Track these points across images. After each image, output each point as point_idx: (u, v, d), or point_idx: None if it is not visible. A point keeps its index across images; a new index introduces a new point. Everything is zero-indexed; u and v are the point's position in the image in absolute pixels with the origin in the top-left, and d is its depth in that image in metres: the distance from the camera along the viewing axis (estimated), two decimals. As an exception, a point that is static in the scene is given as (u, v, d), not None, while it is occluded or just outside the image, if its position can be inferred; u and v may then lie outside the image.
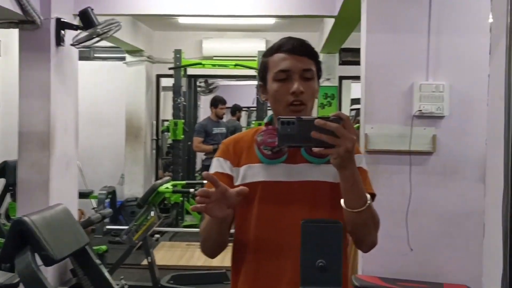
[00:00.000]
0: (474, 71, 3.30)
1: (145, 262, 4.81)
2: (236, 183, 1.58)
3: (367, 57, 3.37)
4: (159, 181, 4.79)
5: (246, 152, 1.61)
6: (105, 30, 4.19)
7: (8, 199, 5.65)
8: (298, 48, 1.56)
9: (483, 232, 3.28)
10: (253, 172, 1.57)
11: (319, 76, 1.60)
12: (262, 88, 1.63)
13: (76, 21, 4.44)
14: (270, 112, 6.76)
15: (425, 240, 3.29)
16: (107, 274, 2.95)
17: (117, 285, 3.00)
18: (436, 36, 3.29)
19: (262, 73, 1.61)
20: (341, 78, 8.03)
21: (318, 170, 1.55)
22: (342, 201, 1.42)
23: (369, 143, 3.32)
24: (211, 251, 1.58)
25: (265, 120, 1.67)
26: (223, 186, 1.38)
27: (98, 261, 2.95)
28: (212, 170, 1.62)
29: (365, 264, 3.31)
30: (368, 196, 1.42)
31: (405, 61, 3.32)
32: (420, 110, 3.28)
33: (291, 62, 1.53)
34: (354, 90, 9.14)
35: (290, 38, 1.59)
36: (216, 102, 7.53)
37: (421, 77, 3.30)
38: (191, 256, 5.57)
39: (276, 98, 1.55)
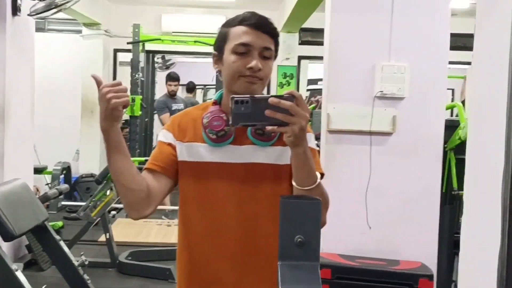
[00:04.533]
0: (433, 53, 3.37)
1: (102, 238, 4.78)
2: (181, 159, 1.58)
3: (331, 36, 3.39)
4: (118, 157, 4.72)
5: (192, 128, 1.61)
6: (64, 1, 4.08)
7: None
8: (263, 25, 1.54)
9: (438, 211, 3.41)
10: (198, 152, 1.58)
11: (275, 57, 1.60)
12: (216, 58, 1.60)
13: (33, -9, 4.30)
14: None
15: (383, 218, 3.36)
16: (67, 250, 2.92)
17: (77, 261, 2.96)
18: (398, 17, 3.33)
19: (220, 43, 1.58)
20: (300, 58, 8.09)
21: (262, 152, 1.56)
22: (293, 180, 1.42)
23: (331, 122, 3.36)
24: (130, 200, 1.51)
25: (214, 98, 1.65)
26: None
27: (57, 237, 2.90)
28: (158, 139, 1.65)
29: (325, 241, 3.33)
30: (318, 174, 1.43)
31: (368, 42, 3.35)
32: (382, 91, 3.32)
33: (253, 37, 1.51)
34: (311, 70, 9.20)
35: (254, 13, 1.56)
36: (166, 79, 7.44)
37: (383, 58, 3.34)
38: (148, 233, 5.54)
39: (231, 70, 1.53)
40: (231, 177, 1.56)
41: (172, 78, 7.42)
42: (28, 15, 4.07)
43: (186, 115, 1.66)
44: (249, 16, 1.54)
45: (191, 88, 9.42)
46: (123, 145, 1.48)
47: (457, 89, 9.65)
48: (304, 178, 1.39)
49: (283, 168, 1.56)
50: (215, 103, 1.62)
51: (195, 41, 7.02)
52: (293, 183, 1.42)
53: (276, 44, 1.58)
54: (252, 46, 1.51)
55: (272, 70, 1.58)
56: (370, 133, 3.34)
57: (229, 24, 1.57)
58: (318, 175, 1.42)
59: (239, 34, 1.53)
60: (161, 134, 1.64)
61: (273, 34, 1.56)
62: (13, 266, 2.44)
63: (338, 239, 3.30)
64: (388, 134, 3.37)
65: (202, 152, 1.57)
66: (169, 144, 1.60)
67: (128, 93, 1.45)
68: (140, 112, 7.10)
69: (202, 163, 1.57)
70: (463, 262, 0.95)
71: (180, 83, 7.91)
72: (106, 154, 1.48)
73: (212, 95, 9.59)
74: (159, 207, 1.63)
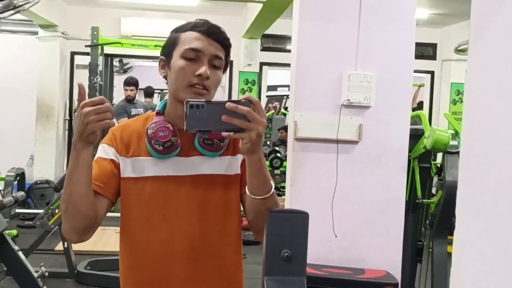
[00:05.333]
0: (399, 62, 3.39)
1: (59, 247, 4.64)
2: (125, 175, 1.50)
3: (299, 44, 3.37)
4: (77, 164, 4.59)
5: (136, 142, 1.52)
6: (22, 3, 3.95)
7: None
8: (215, 33, 1.50)
9: (403, 219, 3.43)
10: (143, 166, 1.50)
11: (225, 69, 1.56)
12: (163, 63, 1.55)
13: (-11, -9, 4.14)
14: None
15: (349, 227, 3.36)
16: (25, 261, 2.80)
17: (37, 272, 2.84)
18: (365, 26, 3.34)
19: (169, 47, 1.53)
20: (262, 64, 8.08)
21: (210, 163, 1.51)
22: (246, 189, 1.40)
23: (298, 130, 3.34)
24: (78, 225, 1.42)
25: (157, 108, 1.58)
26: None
27: (16, 247, 2.79)
28: (95, 156, 1.53)
29: (291, 250, 3.33)
30: (272, 183, 1.40)
31: (336, 51, 3.34)
32: (349, 100, 3.32)
33: (204, 44, 1.47)
34: (271, 76, 9.24)
35: (207, 21, 1.53)
36: (124, 83, 7.35)
37: (350, 67, 3.34)
38: (107, 241, 5.41)
39: (179, 76, 1.48)
40: (179, 190, 1.49)
41: (128, 83, 7.32)
42: (-16, 15, 3.92)
43: (127, 128, 1.56)
44: (201, 23, 1.51)
45: (150, 92, 9.31)
46: (90, 168, 1.38)
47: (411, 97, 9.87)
48: (259, 186, 1.36)
49: (232, 178, 1.52)
50: (158, 113, 1.55)
51: (155, 45, 6.93)
52: (247, 193, 1.39)
53: (227, 54, 1.54)
54: (203, 53, 1.47)
55: (221, 81, 1.53)
56: (337, 141, 3.33)
57: (180, 29, 1.53)
58: (273, 184, 1.39)
59: (190, 39, 1.48)
60: (101, 149, 1.52)
61: (224, 43, 1.52)
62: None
63: (305, 248, 3.27)
64: (354, 142, 3.37)
65: (147, 166, 1.49)
66: (112, 161, 1.50)
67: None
68: (98, 117, 6.96)
69: (148, 178, 1.49)
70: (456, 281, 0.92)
71: (140, 87, 7.80)
72: (68, 173, 1.37)
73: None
74: (118, 214, 1.54)
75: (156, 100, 12.16)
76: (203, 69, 1.45)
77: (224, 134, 1.28)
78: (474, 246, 0.93)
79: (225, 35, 1.52)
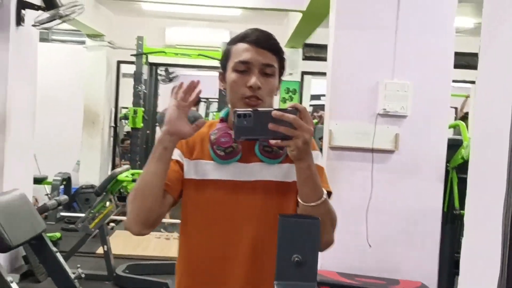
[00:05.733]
0: (437, 72, 3.35)
1: (99, 250, 4.74)
2: (188, 177, 1.54)
3: (335, 53, 3.38)
4: (118, 169, 4.70)
5: (199, 145, 1.57)
6: (68, 13, 4.07)
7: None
8: (263, 41, 1.51)
9: (439, 230, 3.37)
10: (205, 169, 1.54)
11: (281, 74, 1.57)
12: (221, 76, 1.59)
13: (37, 1, 4.30)
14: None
15: (383, 237, 3.33)
16: (63, 262, 2.89)
17: (74, 273, 2.93)
18: (402, 35, 3.32)
19: (224, 61, 1.57)
20: (304, 73, 8.08)
21: (269, 169, 1.53)
22: (298, 196, 1.40)
23: (333, 139, 3.34)
24: (142, 215, 1.45)
25: (221, 115, 1.63)
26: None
27: (54, 249, 2.88)
28: None
29: (324, 259, 3.33)
30: (325, 191, 1.40)
31: (372, 59, 3.34)
32: (385, 109, 3.30)
33: (252, 54, 1.49)
34: (314, 86, 9.22)
35: (256, 30, 1.54)
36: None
37: (386, 76, 3.32)
38: (146, 246, 5.50)
39: (232, 89, 1.51)
40: (238, 195, 1.52)
41: None
42: (32, 25, 4.06)
43: None
44: (250, 33, 1.53)
45: (197, 102, 9.42)
46: (168, 162, 1.47)
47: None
48: (308, 193, 1.36)
49: (290, 185, 1.52)
50: (222, 120, 1.60)
51: (198, 54, 7.02)
52: (298, 199, 1.39)
53: (281, 60, 1.55)
54: (252, 64, 1.49)
55: (276, 87, 1.54)
56: (372, 150, 3.31)
57: (232, 41, 1.56)
58: (325, 192, 1.39)
59: (239, 51, 1.51)
60: None
61: (274, 50, 1.53)
62: (9, 278, 2.41)
63: (338, 257, 3.26)
64: (390, 152, 3.34)
65: (209, 169, 1.54)
66: (177, 162, 1.55)
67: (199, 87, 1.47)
68: (141, 124, 7.09)
69: (209, 181, 1.53)
70: (462, 285, 0.92)
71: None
72: (146, 164, 1.46)
73: (215, 108, 9.57)
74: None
75: (202, 109, 12.28)
76: (253, 81, 1.47)
77: (271, 142, 1.30)
78: (482, 250, 0.93)
79: (273, 41, 1.53)
